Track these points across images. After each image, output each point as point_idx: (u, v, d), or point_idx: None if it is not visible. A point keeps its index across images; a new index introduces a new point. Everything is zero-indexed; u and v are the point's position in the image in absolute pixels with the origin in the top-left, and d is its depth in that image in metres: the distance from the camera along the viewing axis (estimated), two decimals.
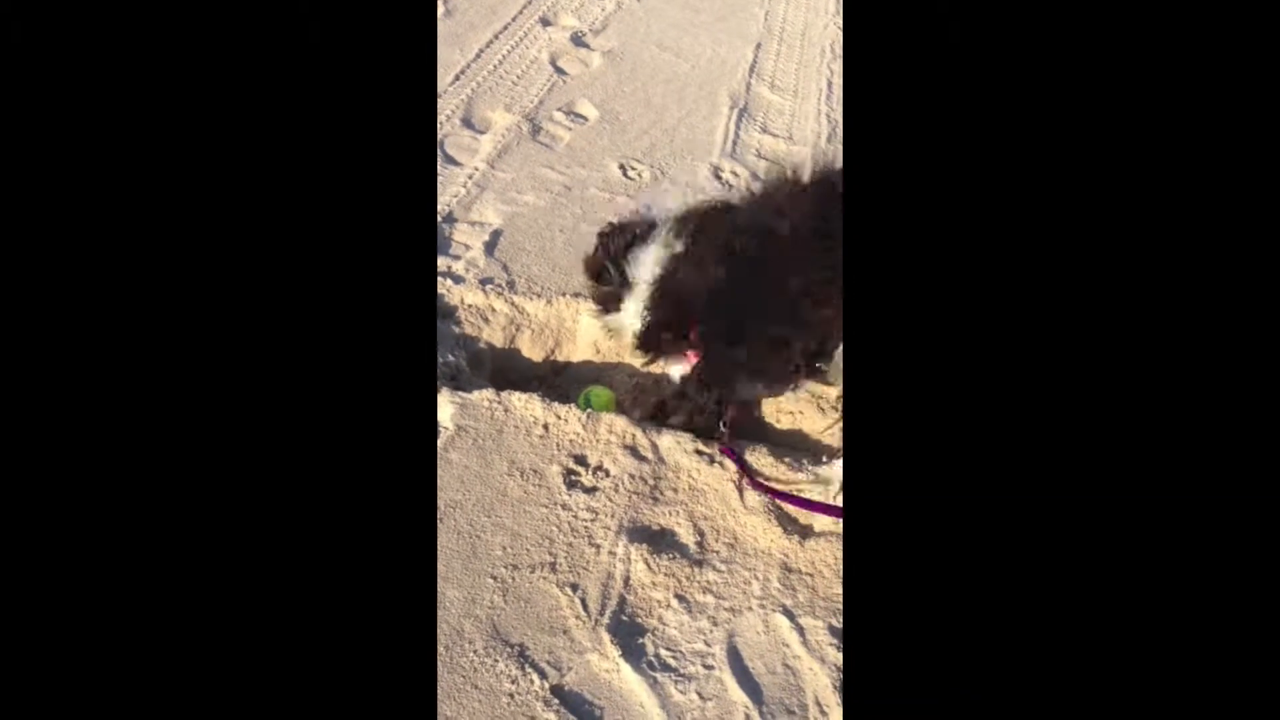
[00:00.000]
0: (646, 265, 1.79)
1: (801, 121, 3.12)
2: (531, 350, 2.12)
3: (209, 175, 0.77)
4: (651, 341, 1.82)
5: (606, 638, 1.44)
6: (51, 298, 0.73)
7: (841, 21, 3.93)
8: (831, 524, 1.68)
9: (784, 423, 2.01)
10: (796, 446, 1.93)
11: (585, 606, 1.49)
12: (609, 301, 1.89)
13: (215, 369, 0.76)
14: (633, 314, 1.83)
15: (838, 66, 3.52)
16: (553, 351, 2.14)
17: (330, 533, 0.76)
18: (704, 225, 1.77)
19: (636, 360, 1.96)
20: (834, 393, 1.92)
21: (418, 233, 0.82)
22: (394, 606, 0.76)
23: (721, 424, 1.83)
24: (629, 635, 1.46)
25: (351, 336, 0.78)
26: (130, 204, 0.75)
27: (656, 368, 1.95)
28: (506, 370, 2.08)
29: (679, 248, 1.76)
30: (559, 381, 2.08)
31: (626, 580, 1.55)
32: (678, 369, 1.90)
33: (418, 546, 0.78)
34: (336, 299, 0.78)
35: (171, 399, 0.74)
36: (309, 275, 0.78)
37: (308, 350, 0.77)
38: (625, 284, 1.82)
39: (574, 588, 1.52)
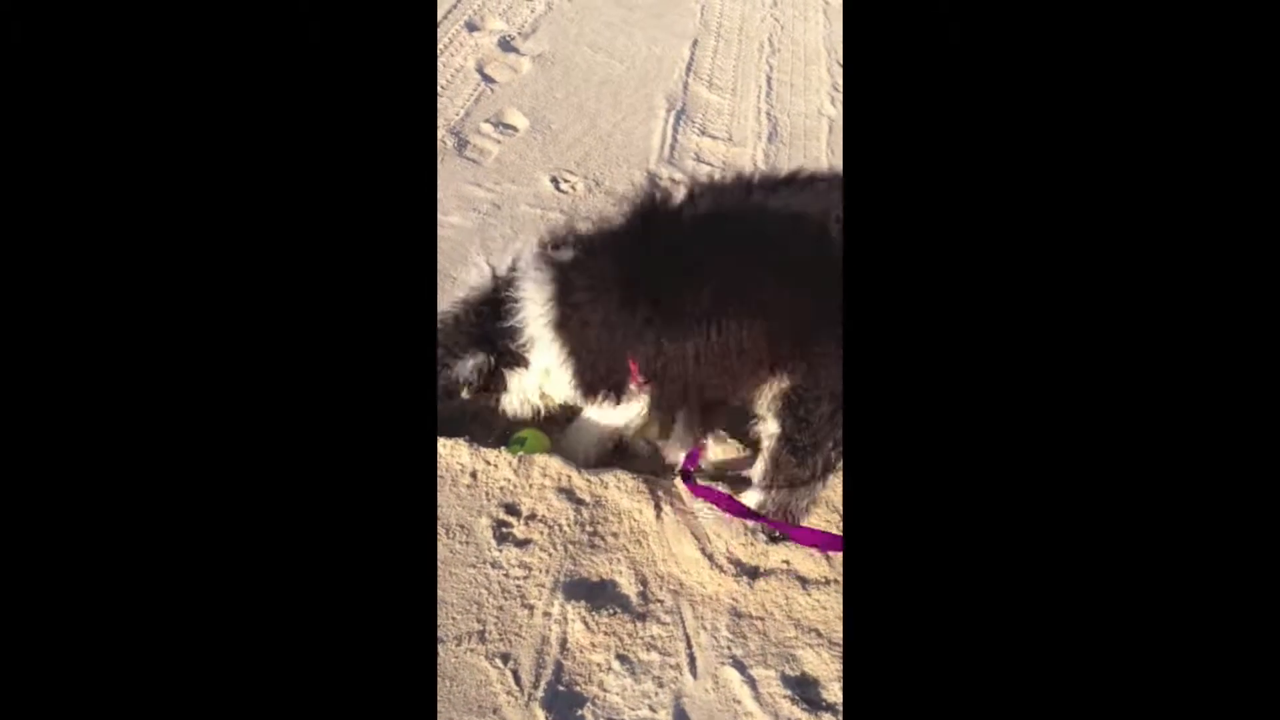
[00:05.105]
0: (533, 309, 1.57)
1: (741, 121, 3.01)
2: None
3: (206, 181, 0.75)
4: (595, 379, 1.61)
5: (541, 714, 1.32)
6: (43, 302, 0.72)
7: (841, 21, 3.83)
8: (780, 562, 1.58)
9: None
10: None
11: (518, 679, 1.37)
12: (487, 377, 1.69)
13: (212, 372, 0.74)
14: (550, 367, 1.62)
15: (776, 61, 3.42)
16: None
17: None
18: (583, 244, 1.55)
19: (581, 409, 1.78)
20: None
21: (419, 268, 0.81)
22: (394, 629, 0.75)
23: (685, 463, 1.71)
24: (566, 707, 1.34)
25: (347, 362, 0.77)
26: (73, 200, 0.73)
27: (664, 449, 1.83)
28: None
29: (564, 271, 1.53)
30: (489, 418, 1.95)
31: (563, 644, 1.43)
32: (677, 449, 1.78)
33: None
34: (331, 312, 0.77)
35: (165, 400, 0.73)
36: (315, 284, 0.77)
37: (315, 370, 0.76)
38: (507, 353, 1.63)
39: (505, 658, 1.40)
